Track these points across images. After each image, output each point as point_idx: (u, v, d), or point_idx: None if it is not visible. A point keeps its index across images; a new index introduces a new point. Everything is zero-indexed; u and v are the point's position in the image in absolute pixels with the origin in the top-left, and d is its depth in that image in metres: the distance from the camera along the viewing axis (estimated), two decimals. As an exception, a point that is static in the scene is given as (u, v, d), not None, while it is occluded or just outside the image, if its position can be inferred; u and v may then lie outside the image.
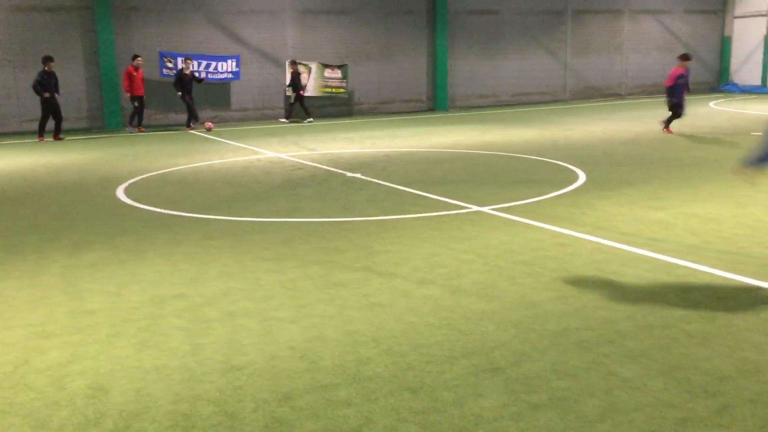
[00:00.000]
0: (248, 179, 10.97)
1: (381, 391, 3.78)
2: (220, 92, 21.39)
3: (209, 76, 20.61)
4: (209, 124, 18.79)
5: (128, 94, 18.66)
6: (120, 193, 10.06)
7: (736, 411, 3.45)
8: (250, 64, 21.58)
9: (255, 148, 14.86)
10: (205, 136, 17.81)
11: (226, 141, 16.50)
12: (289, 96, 21.28)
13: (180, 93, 18.93)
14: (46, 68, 17.00)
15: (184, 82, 18.89)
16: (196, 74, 19.67)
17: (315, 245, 6.82)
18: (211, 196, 9.69)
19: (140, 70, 18.65)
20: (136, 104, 18.73)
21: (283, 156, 13.60)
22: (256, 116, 22.03)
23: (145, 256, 6.63)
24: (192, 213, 8.52)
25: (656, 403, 3.56)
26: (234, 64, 20.99)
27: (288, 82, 21.16)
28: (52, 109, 17.23)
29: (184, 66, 19.10)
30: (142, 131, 18.80)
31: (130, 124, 18.92)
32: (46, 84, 16.94)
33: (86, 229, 7.81)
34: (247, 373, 4.04)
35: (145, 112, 19.56)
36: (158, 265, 6.29)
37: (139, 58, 18.68)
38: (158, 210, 8.75)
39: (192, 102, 19.28)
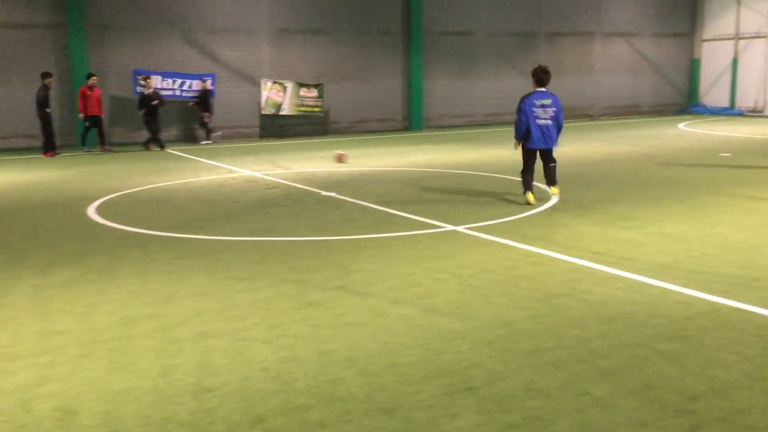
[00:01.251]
0: (222, 198, 10.91)
1: (355, 412, 3.75)
2: (194, 110, 21.30)
3: (183, 93, 20.53)
4: (341, 154, 15.26)
5: (81, 114, 18.14)
6: (91, 211, 9.93)
7: (707, 430, 3.48)
8: (226, 83, 21.55)
9: (230, 167, 14.79)
10: (179, 154, 17.69)
11: (201, 159, 16.41)
12: (204, 116, 20.53)
13: (141, 113, 18.59)
14: (45, 83, 17.15)
15: (146, 103, 18.57)
16: (159, 94, 19.18)
17: (289, 264, 6.79)
18: (185, 214, 9.61)
19: (96, 89, 18.25)
20: (87, 124, 18.21)
21: (258, 174, 13.55)
22: (231, 135, 21.95)
23: (115, 275, 6.54)
24: (164, 232, 8.44)
25: (628, 422, 3.58)
26: (209, 82, 20.92)
27: (196, 97, 20.40)
28: (48, 125, 17.31)
29: (145, 86, 18.82)
30: (107, 149, 18.45)
31: (83, 144, 18.44)
32: (48, 99, 17.33)
33: (56, 249, 7.70)
34: (218, 395, 3.99)
35: (118, 130, 19.38)
36: (129, 285, 6.21)
37: (95, 77, 18.31)
38: (130, 229, 8.65)
39: (154, 124, 18.69)
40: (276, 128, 22.53)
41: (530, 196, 9.82)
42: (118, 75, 19.69)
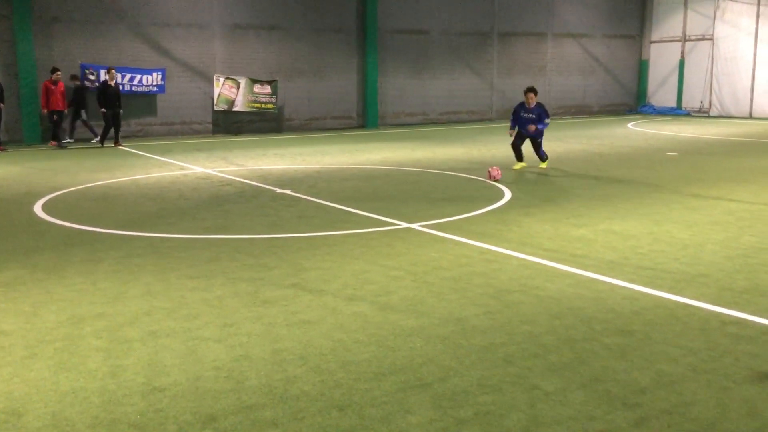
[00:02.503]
0: (174, 195, 10.74)
1: (308, 410, 3.74)
2: (144, 105, 20.91)
3: (133, 88, 20.14)
4: (496, 171, 11.96)
5: (44, 110, 17.89)
6: (38, 208, 9.66)
7: (653, 422, 3.58)
8: (177, 78, 21.21)
9: (181, 163, 14.56)
10: (130, 150, 17.34)
11: (151, 156, 16.12)
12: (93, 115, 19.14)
13: (103, 108, 17.95)
14: None
15: (108, 95, 17.93)
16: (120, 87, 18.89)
17: (243, 262, 6.72)
18: (135, 212, 9.43)
19: (60, 84, 17.98)
20: (55, 118, 17.99)
21: (210, 171, 13.38)
22: (183, 131, 21.63)
23: (63, 274, 6.38)
24: (114, 230, 8.27)
25: (577, 415, 3.65)
26: (159, 77, 20.58)
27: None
28: None
29: (108, 78, 18.23)
30: (54, 145, 18.02)
31: (54, 139, 18.08)
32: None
33: (1, 247, 7.46)
34: (169, 395, 3.93)
35: (69, 125, 18.92)
36: (77, 284, 6.06)
37: (59, 72, 17.98)
38: (78, 227, 8.44)
39: (113, 118, 18.03)
40: (229, 125, 22.29)
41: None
42: (66, 69, 19.16)
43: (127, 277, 6.28)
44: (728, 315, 5.13)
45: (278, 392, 3.94)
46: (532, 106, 13.32)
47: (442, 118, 26.48)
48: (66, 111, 18.46)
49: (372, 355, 4.47)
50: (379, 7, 24.26)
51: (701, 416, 3.62)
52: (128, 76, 19.99)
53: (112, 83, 18.13)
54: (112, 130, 18.37)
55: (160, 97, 20.99)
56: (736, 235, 7.67)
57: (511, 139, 13.75)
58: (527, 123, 13.36)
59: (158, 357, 4.47)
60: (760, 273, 6.18)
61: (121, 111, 18.34)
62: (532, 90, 13.45)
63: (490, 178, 11.37)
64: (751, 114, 27.84)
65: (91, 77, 19.43)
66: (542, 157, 13.56)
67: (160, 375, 4.19)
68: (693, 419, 3.59)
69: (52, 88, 17.78)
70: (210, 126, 22.06)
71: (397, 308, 5.36)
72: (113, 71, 18.37)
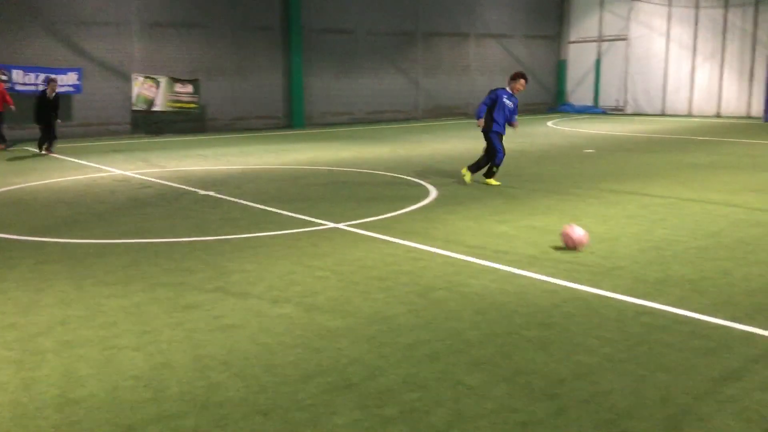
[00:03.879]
0: (90, 199, 10.37)
1: (231, 416, 3.67)
2: (60, 106, 20.10)
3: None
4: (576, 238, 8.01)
5: None
6: (-58, 215, 9.15)
7: (572, 412, 3.68)
8: (94, 78, 20.51)
9: (99, 166, 14.08)
10: (43, 153, 16.63)
11: (67, 158, 15.51)
12: None
13: (38, 122, 16.44)
14: None
15: (45, 107, 16.32)
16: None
17: (163, 267, 6.54)
18: (49, 217, 9.05)
19: (0, 84, 17.02)
20: None
21: (129, 174, 12.98)
22: (100, 132, 20.93)
23: (-30, 284, 6.06)
24: (26, 236, 7.91)
25: (500, 408, 3.72)
26: (75, 77, 19.85)
27: None
28: None
29: (48, 90, 16.52)
30: (2, 148, 17.08)
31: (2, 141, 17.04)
32: None
33: None
34: (85, 407, 3.78)
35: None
36: (-14, 294, 5.77)
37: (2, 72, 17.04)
38: (-13, 233, 8.04)
39: (47, 129, 16.51)
40: (149, 125, 21.70)
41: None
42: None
43: (40, 284, 6.02)
44: (642, 305, 5.33)
45: (200, 400, 3.85)
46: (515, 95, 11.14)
47: (369, 117, 26.55)
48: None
49: (298, 357, 4.43)
50: (303, 6, 24.11)
51: (618, 404, 3.75)
52: (42, 76, 19.19)
53: (52, 96, 16.46)
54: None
55: (76, 98, 20.26)
56: (650, 228, 7.98)
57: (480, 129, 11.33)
58: (512, 114, 11.11)
59: (73, 368, 4.29)
60: (672, 264, 6.45)
61: (59, 121, 16.93)
62: (523, 76, 11.14)
63: (570, 244, 7.02)
64: (663, 111, 29.07)
65: (3, 77, 18.52)
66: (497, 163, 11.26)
67: (75, 386, 4.03)
68: (610, 408, 3.71)
69: None
70: (128, 127, 21.44)
71: (323, 309, 5.33)
72: (54, 83, 16.73)
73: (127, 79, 21.02)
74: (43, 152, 16.62)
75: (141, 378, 4.14)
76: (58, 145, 18.43)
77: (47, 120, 16.44)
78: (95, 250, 7.23)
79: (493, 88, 11.63)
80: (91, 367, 4.30)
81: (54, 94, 16.65)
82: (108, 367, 4.31)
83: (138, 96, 21.04)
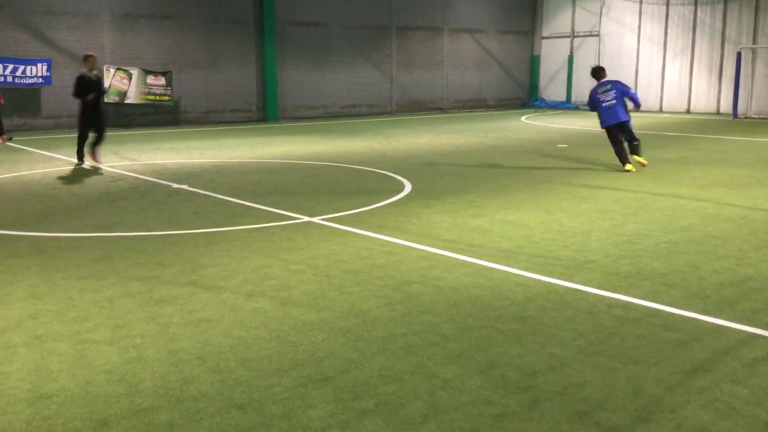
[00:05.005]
0: (61, 192, 10.21)
1: (206, 410, 3.65)
2: (28, 98, 19.76)
3: (15, 80, 18.98)
4: None
5: None
6: None
7: (546, 404, 3.72)
8: (63, 69, 20.15)
9: (69, 158, 13.86)
10: (10, 144, 16.33)
11: (36, 150, 15.25)
12: None
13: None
14: None
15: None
16: None
17: (136, 261, 6.48)
18: (17, 210, 8.90)
19: None
20: None
21: (101, 166, 12.80)
22: (70, 124, 20.54)
23: (-64, 278, 5.94)
24: (-5, 229, 7.78)
25: (474, 401, 3.75)
26: (44, 68, 19.51)
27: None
28: None
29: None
30: (4, 139, 16.64)
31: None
32: None
33: None
34: (57, 402, 3.74)
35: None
36: (-47, 289, 5.66)
37: None
38: (-46, 227, 7.89)
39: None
40: (121, 117, 21.41)
41: (628, 166, 11.96)
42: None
43: (10, 279, 5.92)
44: (614, 299, 5.41)
45: (174, 394, 3.83)
46: (604, 81, 12.18)
47: (343, 111, 26.48)
48: None
49: (273, 351, 4.42)
50: (277, -1, 23.95)
51: (590, 396, 3.80)
52: (11, 67, 18.85)
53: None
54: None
55: (45, 89, 19.92)
56: (621, 222, 8.09)
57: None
58: (617, 106, 11.97)
59: (45, 362, 4.24)
60: (644, 258, 6.54)
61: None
62: (599, 69, 12.41)
63: None
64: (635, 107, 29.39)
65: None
66: (637, 152, 12.02)
67: (47, 381, 3.98)
68: (582, 399, 3.76)
69: None
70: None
71: (299, 303, 5.32)
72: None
73: (98, 71, 20.68)
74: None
75: (114, 372, 4.10)
76: (28, 137, 18.11)
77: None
78: (66, 244, 7.13)
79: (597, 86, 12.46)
80: (63, 362, 4.24)
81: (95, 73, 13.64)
82: (80, 361, 4.26)
83: (110, 88, 20.73)
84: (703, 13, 27.14)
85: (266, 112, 24.24)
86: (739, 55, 25.07)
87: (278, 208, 8.89)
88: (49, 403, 3.72)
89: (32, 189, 10.46)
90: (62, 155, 14.42)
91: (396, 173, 11.94)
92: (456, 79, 29.85)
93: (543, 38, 32.25)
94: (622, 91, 12.22)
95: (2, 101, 16.60)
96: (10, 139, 16.76)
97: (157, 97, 21.49)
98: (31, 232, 7.65)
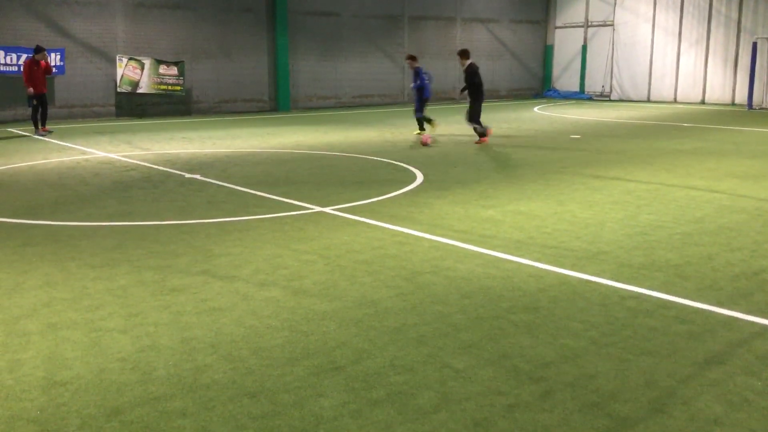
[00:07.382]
0: (74, 181, 10.27)
1: (219, 398, 3.67)
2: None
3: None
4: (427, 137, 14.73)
5: (30, 90, 15.82)
6: None
7: (558, 395, 3.71)
8: (77, 59, 20.24)
9: (82, 148, 13.94)
10: (25, 134, 16.43)
11: (50, 140, 15.34)
12: None
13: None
14: None
15: None
16: None
17: (149, 250, 6.51)
18: (32, 199, 8.96)
19: (43, 63, 16.05)
20: (35, 102, 16.09)
21: (114, 156, 12.87)
22: (84, 114, 20.70)
23: (-48, 266, 6.00)
24: (9, 218, 7.83)
25: (486, 391, 3.75)
26: (58, 57, 19.57)
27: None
28: None
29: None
30: (47, 130, 16.53)
31: (36, 126, 16.32)
32: None
33: None
34: (71, 389, 3.77)
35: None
36: (-32, 276, 5.71)
37: (45, 51, 16.25)
38: (-31, 215, 7.95)
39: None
40: (134, 107, 21.50)
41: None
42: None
43: (24, 267, 5.97)
44: (627, 290, 5.38)
45: (187, 382, 3.85)
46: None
47: (355, 101, 26.44)
48: None
49: (285, 340, 4.43)
50: (289, -12, 23.89)
51: (602, 387, 3.79)
52: (24, 56, 18.91)
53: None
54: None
55: (58, 79, 19.99)
56: (635, 213, 8.04)
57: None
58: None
59: (59, 350, 4.27)
60: (657, 249, 6.50)
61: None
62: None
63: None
64: (649, 98, 29.19)
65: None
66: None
67: (61, 368, 4.02)
68: (594, 390, 3.75)
69: (35, 68, 15.95)
70: (113, 109, 21.20)
71: (310, 292, 5.33)
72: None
73: (111, 61, 20.77)
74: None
75: (128, 360, 4.13)
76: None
77: None
78: (80, 233, 7.18)
79: None
80: (77, 350, 4.28)
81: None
82: (94, 349, 4.29)
83: (123, 78, 20.82)
84: (719, 3, 26.82)
85: (278, 101, 24.24)
86: (754, 45, 24.79)
87: (290, 198, 8.90)
88: (63, 390, 3.76)
89: (46, 178, 10.53)
90: (76, 145, 14.49)
91: (407, 163, 11.92)
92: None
93: (557, 28, 32.01)
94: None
95: (31, 90, 16.25)
96: (50, 132, 16.68)
97: (170, 87, 21.54)
98: (45, 221, 7.70)
